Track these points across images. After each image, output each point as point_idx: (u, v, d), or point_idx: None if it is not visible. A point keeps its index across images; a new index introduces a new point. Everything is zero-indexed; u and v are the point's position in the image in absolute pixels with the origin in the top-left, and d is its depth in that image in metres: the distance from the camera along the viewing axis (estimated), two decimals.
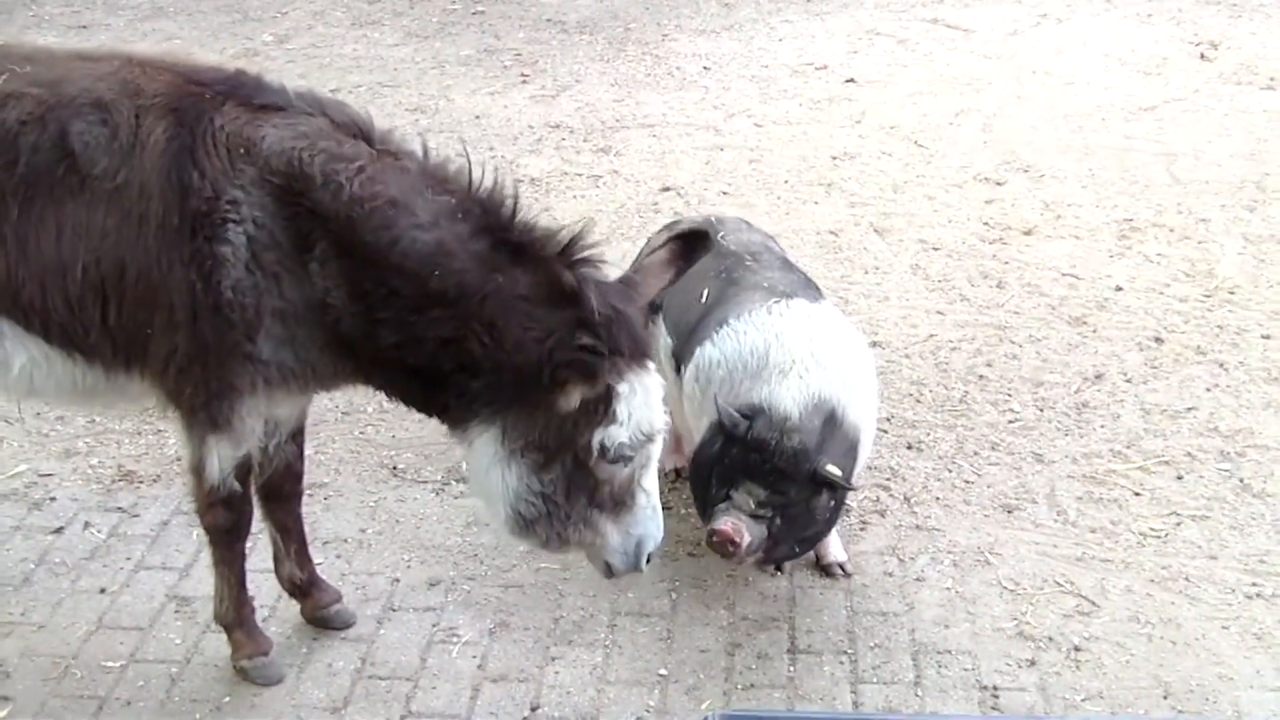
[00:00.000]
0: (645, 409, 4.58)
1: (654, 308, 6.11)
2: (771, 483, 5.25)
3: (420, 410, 4.92)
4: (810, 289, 5.94)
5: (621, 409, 4.52)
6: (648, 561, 4.89)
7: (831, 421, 5.35)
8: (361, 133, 4.71)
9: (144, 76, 4.72)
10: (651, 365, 4.65)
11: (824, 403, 5.34)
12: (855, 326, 6.12)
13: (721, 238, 6.13)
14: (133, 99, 4.62)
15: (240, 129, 4.58)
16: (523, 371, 4.48)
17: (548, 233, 4.62)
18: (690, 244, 4.88)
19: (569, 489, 4.63)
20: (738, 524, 5.24)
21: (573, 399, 4.47)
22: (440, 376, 4.63)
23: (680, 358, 5.84)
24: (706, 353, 5.63)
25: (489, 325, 4.49)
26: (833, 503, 5.41)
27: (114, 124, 4.58)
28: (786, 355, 5.42)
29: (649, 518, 4.79)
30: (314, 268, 4.55)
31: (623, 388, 4.51)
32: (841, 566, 5.86)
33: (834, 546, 5.88)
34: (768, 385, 5.37)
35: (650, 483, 4.77)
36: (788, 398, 5.31)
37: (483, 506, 4.97)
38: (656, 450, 4.74)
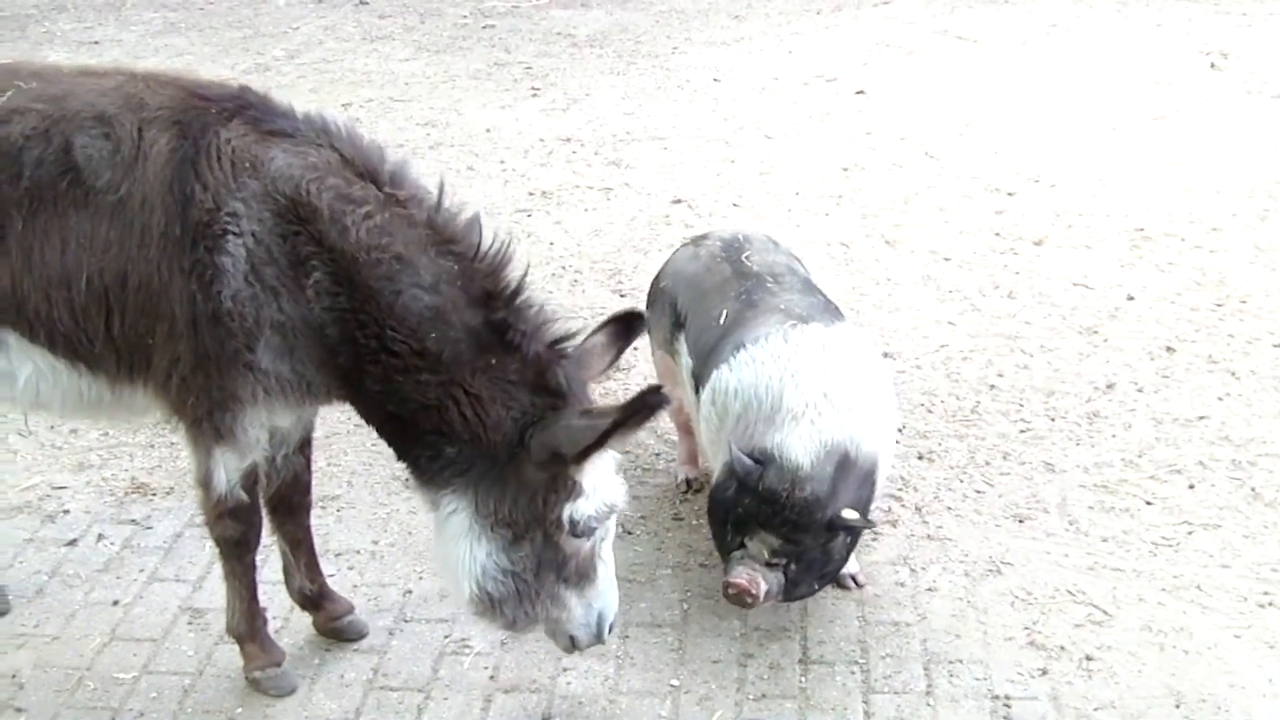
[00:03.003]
0: (606, 482, 4.66)
1: (677, 325, 6.13)
2: (785, 533, 5.24)
3: (393, 450, 4.94)
4: (828, 312, 5.87)
5: (587, 483, 4.60)
6: (612, 631, 4.98)
7: (845, 464, 5.32)
8: (369, 172, 4.68)
9: (148, 91, 4.74)
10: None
11: (836, 447, 5.30)
12: (872, 344, 6.05)
13: (746, 258, 6.12)
14: (136, 113, 4.64)
15: (248, 146, 4.58)
16: (497, 448, 4.57)
17: (540, 320, 4.67)
18: (627, 325, 4.94)
19: (539, 566, 4.70)
20: (753, 575, 5.25)
21: (545, 473, 4.56)
22: (417, 434, 4.69)
23: (699, 378, 5.82)
24: (723, 378, 5.59)
25: (475, 399, 4.56)
26: (849, 540, 5.42)
27: (117, 137, 4.60)
28: (800, 398, 5.36)
29: (608, 589, 4.88)
30: (310, 293, 4.57)
31: (586, 462, 4.58)
32: (854, 578, 5.86)
33: None
34: (780, 431, 5.33)
35: (608, 553, 4.86)
36: (799, 447, 5.27)
37: (446, 580, 5.07)
38: (613, 522, 4.83)
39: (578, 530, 4.63)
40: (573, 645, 4.94)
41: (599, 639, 4.93)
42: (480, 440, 4.57)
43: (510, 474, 4.58)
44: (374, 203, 4.60)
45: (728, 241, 6.30)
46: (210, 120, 4.63)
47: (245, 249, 4.51)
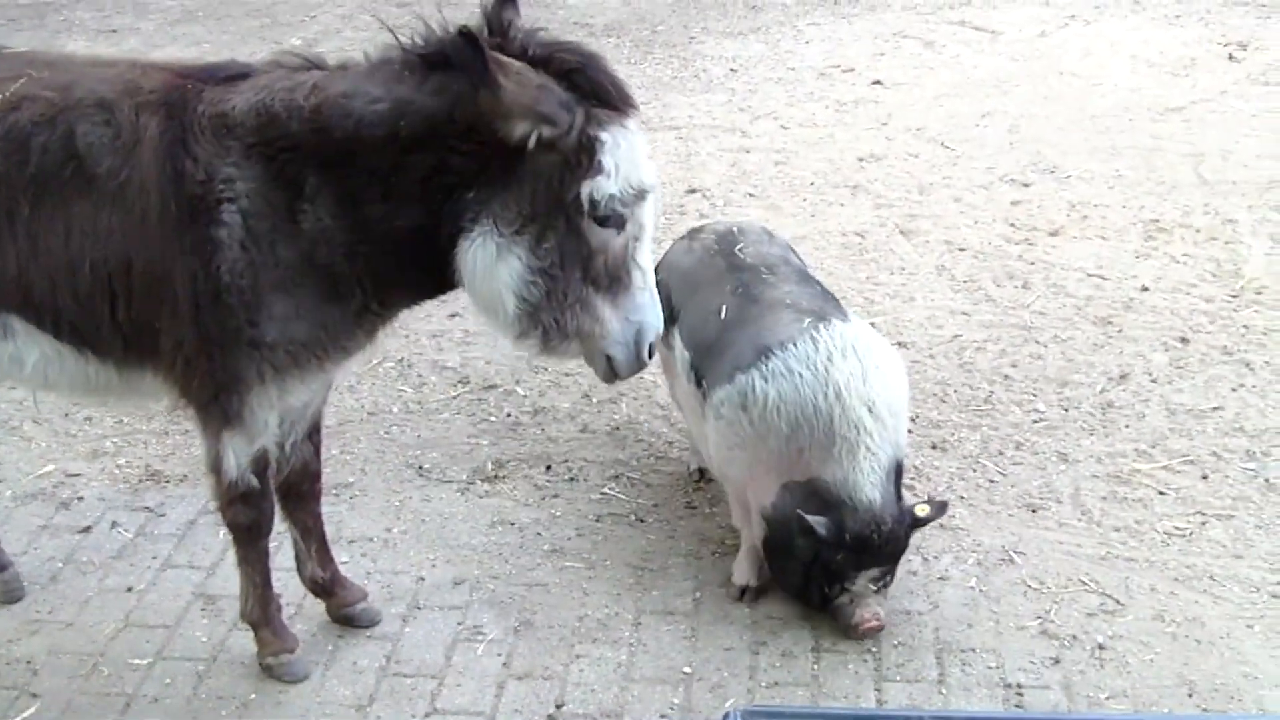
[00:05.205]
0: (632, 163, 4.44)
1: (670, 319, 6.10)
2: (883, 563, 5.40)
3: (436, 284, 4.77)
4: (832, 302, 5.88)
5: (607, 160, 4.39)
6: (650, 355, 4.74)
7: (896, 469, 5.44)
8: (313, 64, 4.71)
9: (144, 76, 4.76)
10: (633, 124, 4.52)
11: (890, 463, 5.39)
12: (882, 336, 5.97)
13: (739, 250, 6.10)
14: (132, 97, 4.65)
15: (217, 109, 4.58)
16: (504, 149, 4.40)
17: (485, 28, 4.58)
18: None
19: (563, 258, 4.49)
20: (877, 611, 5.43)
21: (515, 128, 4.35)
22: (436, 223, 4.52)
23: (700, 371, 5.79)
24: (756, 386, 5.46)
25: (466, 130, 4.42)
26: None
27: (116, 124, 4.61)
28: (849, 421, 5.32)
29: (647, 302, 4.65)
30: (306, 208, 4.53)
31: (605, 137, 4.40)
32: None
33: None
34: (840, 466, 5.31)
35: (645, 260, 4.63)
36: (866, 484, 5.30)
37: (488, 320, 4.76)
38: (648, 218, 4.58)
39: (599, 213, 4.43)
40: (610, 370, 4.75)
41: (638, 359, 4.71)
42: (489, 160, 4.43)
43: (521, 172, 4.41)
44: (316, 77, 4.61)
45: (722, 234, 6.28)
46: (188, 97, 4.64)
47: (240, 213, 4.51)
